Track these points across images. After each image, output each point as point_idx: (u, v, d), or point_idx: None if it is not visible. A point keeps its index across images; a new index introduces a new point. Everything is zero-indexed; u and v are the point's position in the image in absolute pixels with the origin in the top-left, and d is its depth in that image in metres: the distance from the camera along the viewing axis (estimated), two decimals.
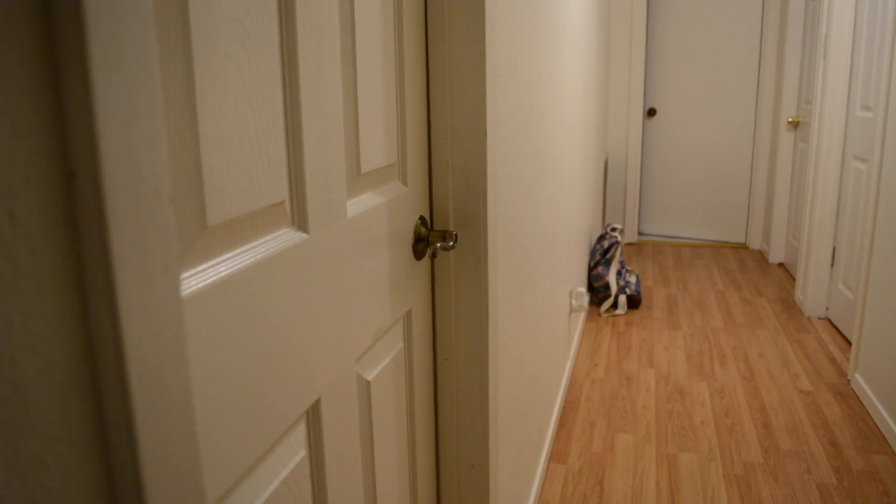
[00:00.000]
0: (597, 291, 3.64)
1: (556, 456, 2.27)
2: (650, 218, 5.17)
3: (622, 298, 3.58)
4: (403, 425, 1.08)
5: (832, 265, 3.41)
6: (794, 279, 4.16)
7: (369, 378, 0.92)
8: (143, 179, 0.38)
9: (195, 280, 0.55)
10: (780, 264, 4.52)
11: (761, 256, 4.72)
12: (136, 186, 0.38)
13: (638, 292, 3.64)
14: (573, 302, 2.84)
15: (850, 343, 3.17)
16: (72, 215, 0.35)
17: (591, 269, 3.69)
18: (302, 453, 0.75)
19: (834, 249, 3.40)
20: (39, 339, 0.34)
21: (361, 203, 0.88)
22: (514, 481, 1.63)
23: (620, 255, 3.75)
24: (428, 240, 1.10)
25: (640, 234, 5.22)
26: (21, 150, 0.32)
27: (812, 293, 3.49)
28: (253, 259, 0.63)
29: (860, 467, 2.17)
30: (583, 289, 3.03)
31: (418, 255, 1.09)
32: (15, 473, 0.33)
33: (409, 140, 1.04)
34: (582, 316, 3.39)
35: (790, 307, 3.67)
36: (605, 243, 3.69)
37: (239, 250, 0.62)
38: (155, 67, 0.39)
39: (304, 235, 0.72)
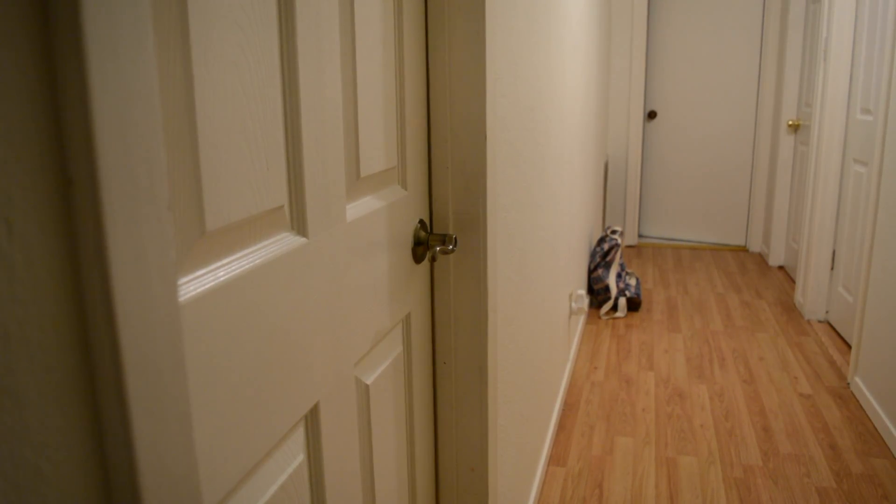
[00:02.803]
0: (597, 294, 3.64)
1: (555, 459, 2.27)
2: (650, 220, 5.17)
3: (622, 301, 3.58)
4: (402, 429, 1.08)
5: (832, 268, 3.41)
6: (794, 282, 4.16)
7: (368, 382, 0.92)
8: (141, 186, 0.38)
9: (193, 285, 0.55)
10: (780, 267, 4.52)
11: (761, 259, 4.71)
12: (133, 193, 0.37)
13: (638, 295, 3.63)
14: (573, 304, 2.84)
15: (849, 346, 3.17)
16: (69, 223, 0.35)
17: (590, 271, 3.69)
18: (300, 457, 0.75)
19: (834, 252, 3.40)
20: (36, 348, 0.34)
21: (361, 207, 0.88)
22: (514, 484, 1.63)
23: (620, 258, 3.75)
24: (427, 243, 1.10)
25: (640, 236, 5.22)
26: (18, 158, 0.32)
27: (812, 296, 3.49)
28: (251, 264, 0.63)
29: (860, 471, 2.17)
30: (582, 291, 3.03)
31: (418, 258, 1.08)
32: (11, 482, 0.33)
33: (408, 143, 1.04)
34: (581, 318, 3.39)
35: (790, 310, 3.66)
36: (605, 246, 3.69)
37: (238, 255, 0.62)
38: (153, 75, 0.39)
39: (303, 240, 0.72)
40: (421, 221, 1.10)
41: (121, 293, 0.37)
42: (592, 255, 3.76)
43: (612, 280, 3.60)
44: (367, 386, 0.92)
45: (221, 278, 0.58)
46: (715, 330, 3.39)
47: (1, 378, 0.32)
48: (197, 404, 0.55)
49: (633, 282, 3.76)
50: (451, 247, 1.08)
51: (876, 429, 2.42)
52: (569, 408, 2.62)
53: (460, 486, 1.24)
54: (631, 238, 5.07)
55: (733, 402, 2.65)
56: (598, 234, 4.29)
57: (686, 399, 2.68)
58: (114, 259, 0.36)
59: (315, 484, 0.79)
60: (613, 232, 3.80)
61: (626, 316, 3.60)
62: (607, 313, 3.60)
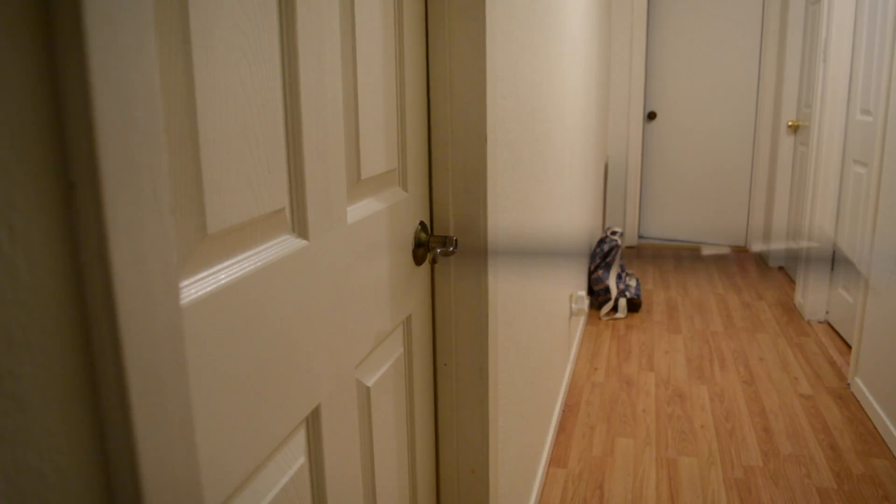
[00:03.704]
0: (597, 295, 3.64)
1: (556, 460, 2.27)
2: (650, 221, 5.17)
3: (622, 302, 3.58)
4: (403, 431, 1.08)
5: (832, 269, 3.41)
6: (794, 283, 4.16)
7: (369, 384, 0.92)
8: (143, 190, 0.38)
9: (194, 288, 0.55)
10: (780, 268, 4.52)
11: (761, 260, 4.71)
12: (135, 197, 0.38)
13: (638, 296, 3.63)
14: (573, 306, 2.84)
15: (850, 347, 3.17)
16: (71, 227, 0.35)
17: (591, 272, 3.69)
18: (301, 460, 0.75)
19: (834, 253, 3.40)
20: (39, 351, 0.34)
21: (361, 209, 0.88)
22: (514, 486, 1.63)
23: (620, 259, 3.75)
24: (428, 245, 1.10)
25: (640, 237, 5.22)
26: (21, 163, 0.32)
27: (812, 297, 3.49)
28: (253, 266, 0.63)
29: (860, 471, 2.17)
30: (583, 292, 3.03)
31: (418, 260, 1.08)
32: (14, 486, 0.33)
33: (409, 145, 1.04)
34: (582, 320, 3.39)
35: (790, 311, 3.66)
36: (606, 247, 3.69)
37: (239, 258, 0.62)
38: (155, 78, 0.39)
39: (304, 242, 0.72)
40: (421, 223, 1.10)
41: (123, 296, 0.37)
42: (592, 256, 3.76)
43: (612, 281, 3.60)
44: (367, 388, 0.92)
45: (223, 281, 0.58)
46: (715, 331, 3.39)
47: (3, 382, 0.32)
48: (199, 407, 0.55)
49: (633, 283, 3.76)
50: (451, 249, 1.08)
51: (876, 429, 2.42)
52: (569, 409, 2.62)
53: (461, 488, 1.24)
54: (631, 239, 5.07)
55: (734, 402, 2.65)
56: (598, 235, 4.29)
57: (686, 400, 2.68)
58: (116, 262, 0.36)
59: (316, 486, 0.78)
60: (613, 233, 3.80)
61: (626, 317, 3.60)
62: (607, 314, 3.60)
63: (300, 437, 0.75)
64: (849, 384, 2.77)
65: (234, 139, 0.59)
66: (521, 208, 1.54)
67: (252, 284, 0.62)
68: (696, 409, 2.60)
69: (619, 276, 3.69)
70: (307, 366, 0.73)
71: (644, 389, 2.77)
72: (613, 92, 4.89)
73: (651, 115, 4.99)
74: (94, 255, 0.36)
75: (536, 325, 1.88)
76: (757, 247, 4.65)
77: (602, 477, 2.17)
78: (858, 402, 2.63)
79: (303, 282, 0.71)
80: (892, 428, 2.31)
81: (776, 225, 4.48)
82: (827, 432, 2.41)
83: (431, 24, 1.08)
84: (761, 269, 4.49)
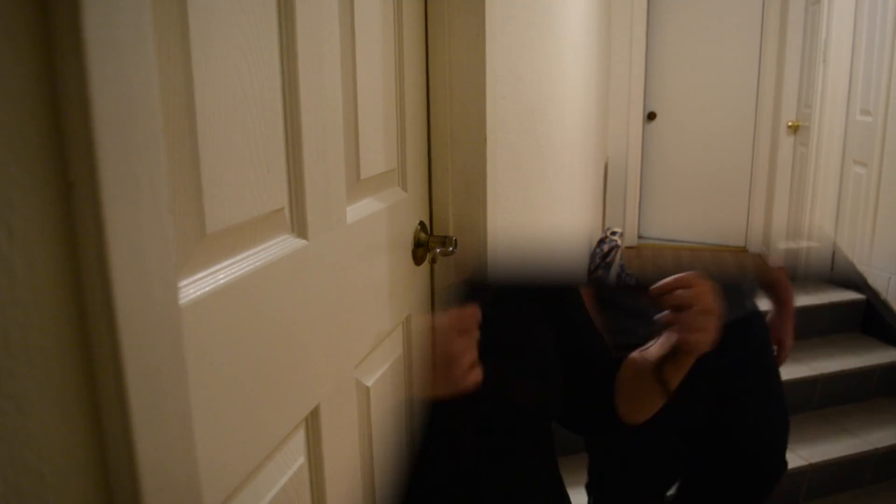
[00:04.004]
0: None
1: None
2: (650, 221, 5.17)
3: None
4: (403, 431, 1.08)
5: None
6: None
7: (368, 384, 0.92)
8: (142, 190, 0.38)
9: (193, 288, 0.55)
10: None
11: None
12: (134, 196, 0.37)
13: None
14: None
15: None
16: (70, 227, 0.35)
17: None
18: (301, 460, 0.75)
19: (833, 254, 3.40)
20: (37, 351, 0.34)
21: (361, 209, 0.88)
22: None
23: (620, 259, 3.75)
24: (428, 245, 1.10)
25: (639, 237, 5.22)
26: (19, 163, 0.32)
27: None
28: (252, 266, 0.62)
29: None
30: None
31: (418, 260, 1.08)
32: (12, 486, 0.33)
33: (408, 145, 1.03)
34: None
35: None
36: (605, 247, 3.69)
37: (238, 257, 0.62)
38: (153, 77, 0.39)
39: (303, 242, 0.72)
40: (421, 223, 1.10)
41: (121, 296, 0.37)
42: (592, 256, 3.75)
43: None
44: (367, 388, 0.92)
45: (222, 281, 0.58)
46: None
47: (2, 382, 0.32)
48: (198, 407, 0.54)
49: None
50: (451, 249, 1.08)
51: None
52: None
53: None
54: (631, 239, 5.07)
55: None
56: (597, 236, 4.29)
57: None
58: (114, 262, 0.36)
59: (315, 486, 0.78)
60: (613, 233, 3.80)
61: None
62: None
63: (299, 437, 0.75)
64: None
65: (233, 139, 0.59)
66: (521, 208, 1.54)
67: (251, 284, 0.62)
68: None
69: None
70: (306, 366, 0.73)
71: None
72: (613, 92, 4.89)
73: (651, 116, 4.99)
74: (92, 254, 0.36)
75: None
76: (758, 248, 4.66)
77: None
78: None
79: (302, 282, 0.71)
80: None
81: (776, 225, 4.47)
82: None
83: (431, 24, 1.08)
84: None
